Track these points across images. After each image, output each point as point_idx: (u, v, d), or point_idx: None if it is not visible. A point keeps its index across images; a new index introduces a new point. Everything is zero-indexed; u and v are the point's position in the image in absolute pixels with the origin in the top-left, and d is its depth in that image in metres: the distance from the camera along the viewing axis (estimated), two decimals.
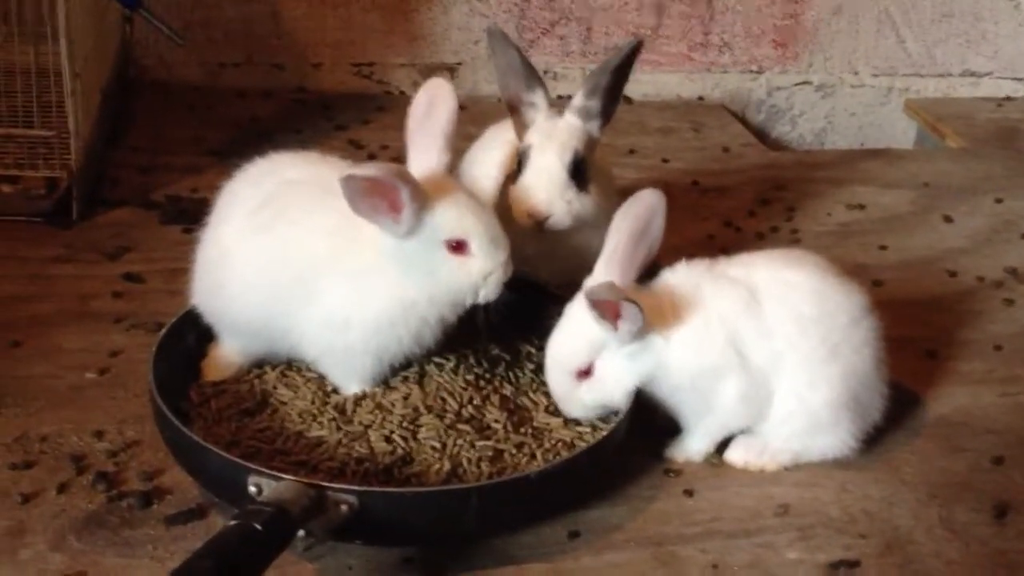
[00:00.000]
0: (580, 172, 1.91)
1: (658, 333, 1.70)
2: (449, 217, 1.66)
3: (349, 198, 1.59)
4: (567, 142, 1.91)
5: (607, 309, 1.64)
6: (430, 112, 1.70)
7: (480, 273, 1.69)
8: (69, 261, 2.29)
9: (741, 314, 1.72)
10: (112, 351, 1.99)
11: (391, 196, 1.61)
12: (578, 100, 1.95)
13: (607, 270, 1.71)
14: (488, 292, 1.70)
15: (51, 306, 2.12)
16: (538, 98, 1.96)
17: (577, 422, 1.76)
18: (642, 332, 1.67)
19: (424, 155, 1.70)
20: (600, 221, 1.84)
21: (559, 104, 2.01)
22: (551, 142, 1.91)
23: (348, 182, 1.57)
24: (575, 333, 1.72)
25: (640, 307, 1.62)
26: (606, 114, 1.96)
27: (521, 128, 1.97)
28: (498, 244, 1.69)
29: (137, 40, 3.23)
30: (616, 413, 1.73)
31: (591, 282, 1.70)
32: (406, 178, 1.61)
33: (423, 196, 1.63)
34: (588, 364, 1.71)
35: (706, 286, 1.74)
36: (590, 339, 1.70)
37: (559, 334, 1.74)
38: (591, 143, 1.95)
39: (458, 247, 1.67)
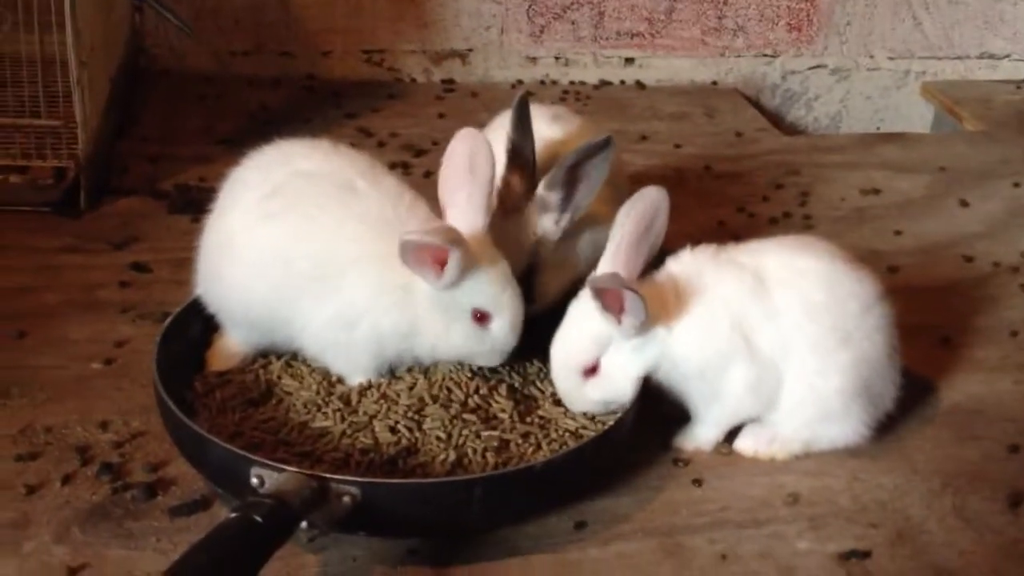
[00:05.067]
0: (523, 284, 1.81)
1: (662, 324, 1.68)
2: (483, 288, 1.68)
3: (401, 254, 1.60)
4: (509, 256, 1.80)
5: (611, 301, 1.63)
6: (473, 169, 1.69)
7: (490, 347, 1.71)
8: (76, 251, 2.28)
9: (746, 299, 1.70)
10: (118, 341, 1.98)
11: (439, 255, 1.62)
12: (540, 189, 1.86)
13: (612, 265, 1.69)
14: (488, 362, 1.74)
15: (58, 296, 2.11)
16: (515, 180, 1.87)
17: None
18: (646, 325, 1.65)
19: (466, 214, 1.70)
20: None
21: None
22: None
23: (405, 247, 1.59)
24: (580, 330, 1.71)
25: (643, 298, 1.60)
26: (567, 208, 1.85)
27: (497, 200, 1.87)
28: (516, 328, 1.71)
29: (147, 29, 3.23)
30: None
31: (595, 276, 1.69)
32: (459, 243, 1.62)
33: (470, 262, 1.65)
34: (594, 361, 1.69)
35: (709, 273, 1.72)
36: (595, 336, 1.69)
37: (563, 333, 1.72)
38: (544, 240, 1.86)
39: (481, 318, 1.69)
